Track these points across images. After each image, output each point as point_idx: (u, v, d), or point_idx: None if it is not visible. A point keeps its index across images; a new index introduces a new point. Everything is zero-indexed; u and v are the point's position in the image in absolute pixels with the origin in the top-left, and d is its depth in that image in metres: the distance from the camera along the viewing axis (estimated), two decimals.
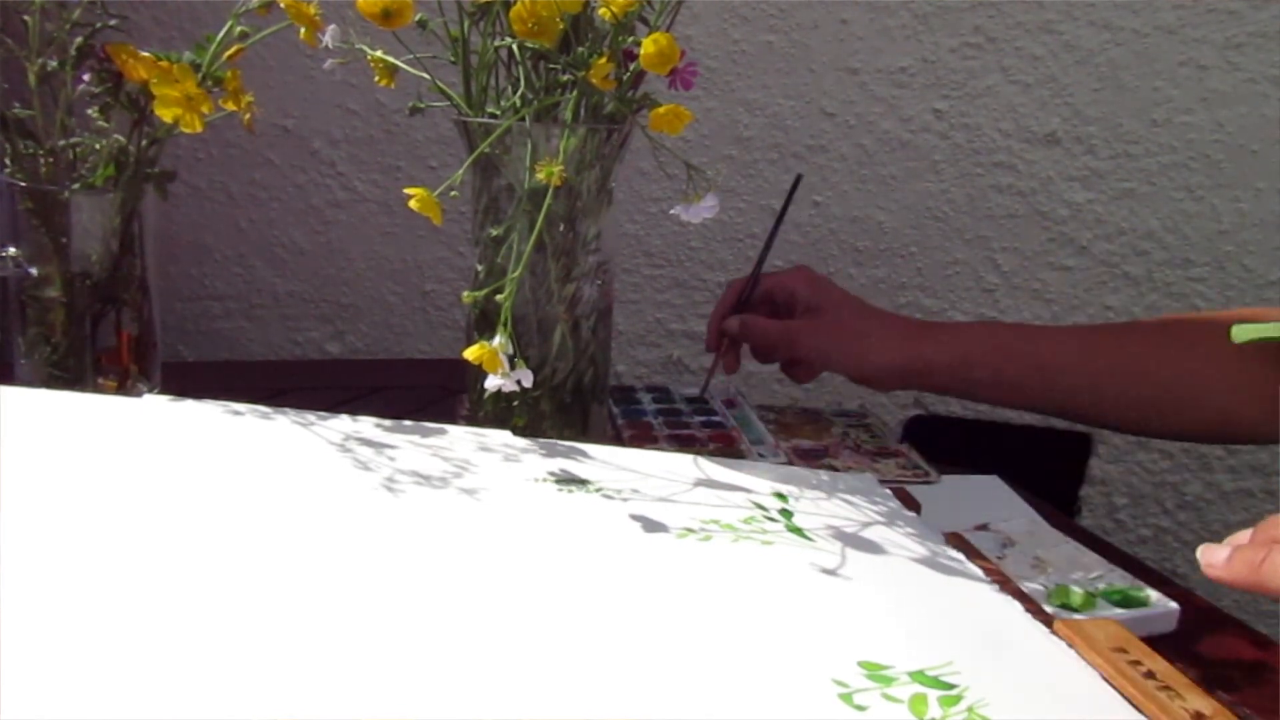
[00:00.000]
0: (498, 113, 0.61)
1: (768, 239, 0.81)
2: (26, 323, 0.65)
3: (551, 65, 0.58)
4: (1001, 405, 0.76)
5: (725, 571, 0.46)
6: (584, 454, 0.58)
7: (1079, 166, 1.17)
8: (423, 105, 0.62)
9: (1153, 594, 0.55)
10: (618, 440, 0.76)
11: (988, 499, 0.65)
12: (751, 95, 1.13)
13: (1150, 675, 0.42)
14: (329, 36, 0.57)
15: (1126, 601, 0.54)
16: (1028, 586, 0.52)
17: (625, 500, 0.52)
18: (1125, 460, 1.22)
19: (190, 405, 0.58)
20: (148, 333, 0.67)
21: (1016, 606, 0.47)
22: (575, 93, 0.57)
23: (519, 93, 0.59)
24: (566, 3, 0.54)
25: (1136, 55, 1.14)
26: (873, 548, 0.50)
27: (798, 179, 0.80)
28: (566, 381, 0.64)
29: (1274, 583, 0.41)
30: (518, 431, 0.60)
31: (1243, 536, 0.45)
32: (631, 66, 0.59)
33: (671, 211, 0.58)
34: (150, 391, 0.66)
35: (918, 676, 0.39)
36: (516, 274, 0.54)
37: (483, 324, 0.62)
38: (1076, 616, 0.51)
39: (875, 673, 0.39)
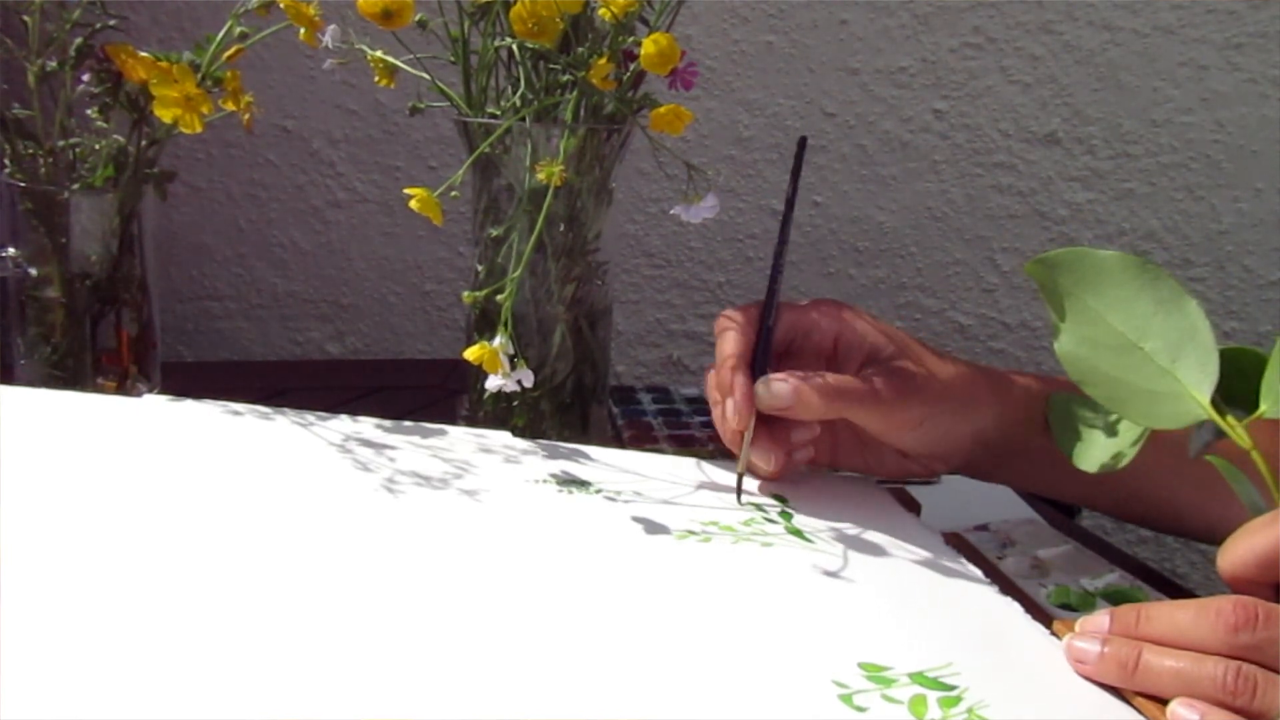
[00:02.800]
0: (498, 113, 0.61)
1: (782, 228, 0.57)
2: (26, 323, 0.65)
3: (551, 65, 0.58)
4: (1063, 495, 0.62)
5: (725, 573, 0.46)
6: (584, 455, 0.58)
7: (1079, 166, 1.17)
8: (423, 105, 0.62)
9: (1152, 594, 0.55)
10: (618, 440, 0.76)
11: (988, 499, 0.65)
12: (751, 95, 1.13)
13: None
14: (329, 36, 0.57)
15: (1126, 602, 0.54)
16: (1028, 586, 0.52)
17: (626, 502, 0.52)
18: None
19: (190, 405, 0.58)
20: (147, 333, 0.67)
21: (1016, 607, 0.47)
22: (575, 93, 0.57)
23: (519, 93, 0.59)
24: (566, 3, 0.53)
25: (1136, 55, 1.14)
26: (873, 549, 0.50)
27: (802, 141, 0.57)
28: (566, 382, 0.64)
29: (1151, 687, 0.39)
30: (517, 432, 0.60)
31: (1101, 623, 0.42)
32: (631, 67, 0.59)
33: (671, 211, 0.58)
34: (150, 391, 0.66)
35: (918, 678, 0.39)
36: (516, 274, 0.54)
37: (483, 324, 0.62)
38: (1076, 616, 0.51)
39: (875, 674, 0.39)
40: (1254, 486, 0.44)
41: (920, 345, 0.57)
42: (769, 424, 0.54)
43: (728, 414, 0.53)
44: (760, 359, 0.54)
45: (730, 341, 0.55)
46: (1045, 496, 0.63)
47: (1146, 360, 0.46)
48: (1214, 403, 0.45)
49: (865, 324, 0.56)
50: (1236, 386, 0.46)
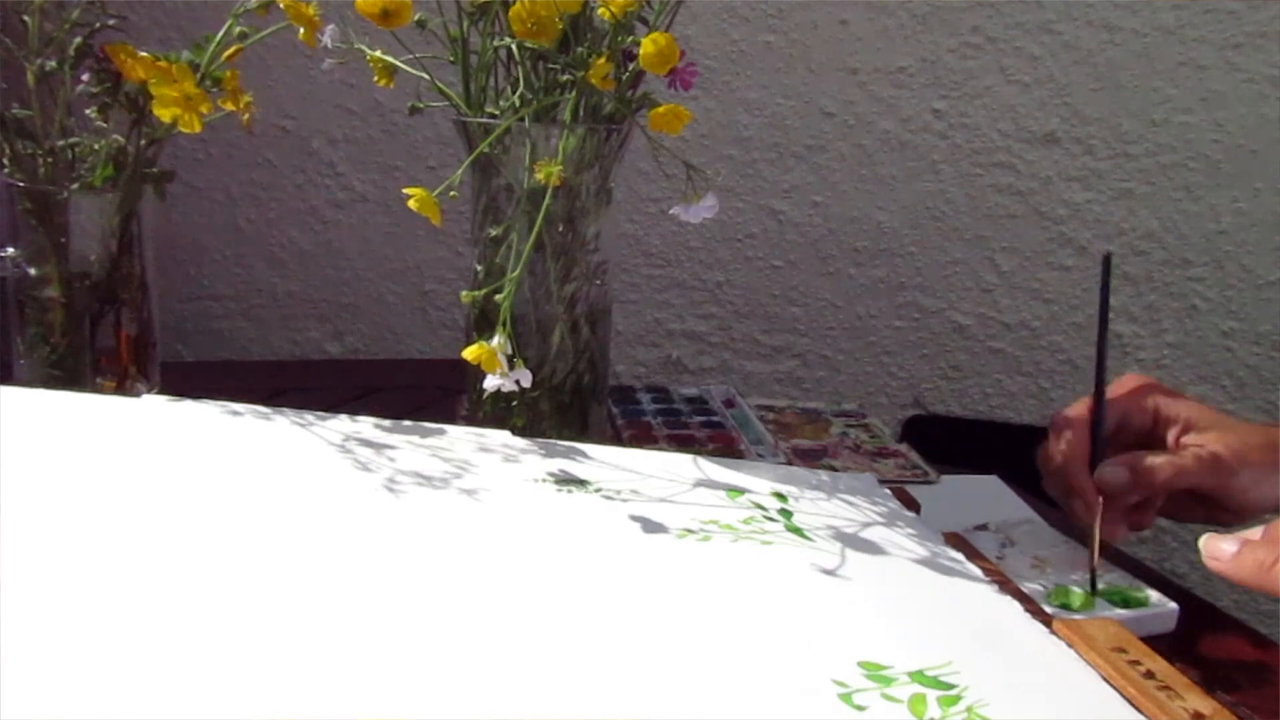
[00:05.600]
0: (497, 113, 0.61)
1: (1099, 341, 0.60)
2: (26, 323, 0.64)
3: (551, 65, 0.58)
4: None
5: (725, 572, 0.46)
6: (583, 454, 0.58)
7: (1078, 166, 1.17)
8: (422, 105, 0.62)
9: (1153, 594, 0.55)
10: (617, 440, 0.76)
11: (987, 499, 0.65)
12: (751, 95, 1.13)
13: (1150, 675, 0.42)
14: (328, 36, 0.57)
15: (1126, 601, 0.54)
16: (1028, 586, 0.52)
17: (625, 500, 0.52)
18: None
19: (189, 405, 0.58)
20: (146, 333, 0.67)
21: (1016, 606, 0.47)
22: (574, 93, 0.57)
23: (518, 93, 0.59)
24: (566, 3, 0.53)
25: (1136, 55, 1.14)
26: (872, 548, 0.50)
27: (1107, 259, 0.60)
28: (566, 381, 0.64)
29: None
30: (517, 431, 0.60)
31: (1255, 533, 0.44)
32: (631, 66, 0.59)
33: (671, 211, 0.58)
34: (149, 391, 0.66)
35: (917, 677, 0.39)
36: (516, 274, 0.54)
37: (482, 324, 0.62)
38: (1076, 616, 0.51)
39: (875, 673, 0.39)
40: None
41: (1224, 415, 0.61)
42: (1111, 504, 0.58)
43: (1077, 510, 0.58)
44: (1097, 451, 0.58)
45: (1068, 444, 0.59)
46: None
47: None
48: None
49: (1177, 400, 0.61)
50: None
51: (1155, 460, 0.58)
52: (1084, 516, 0.59)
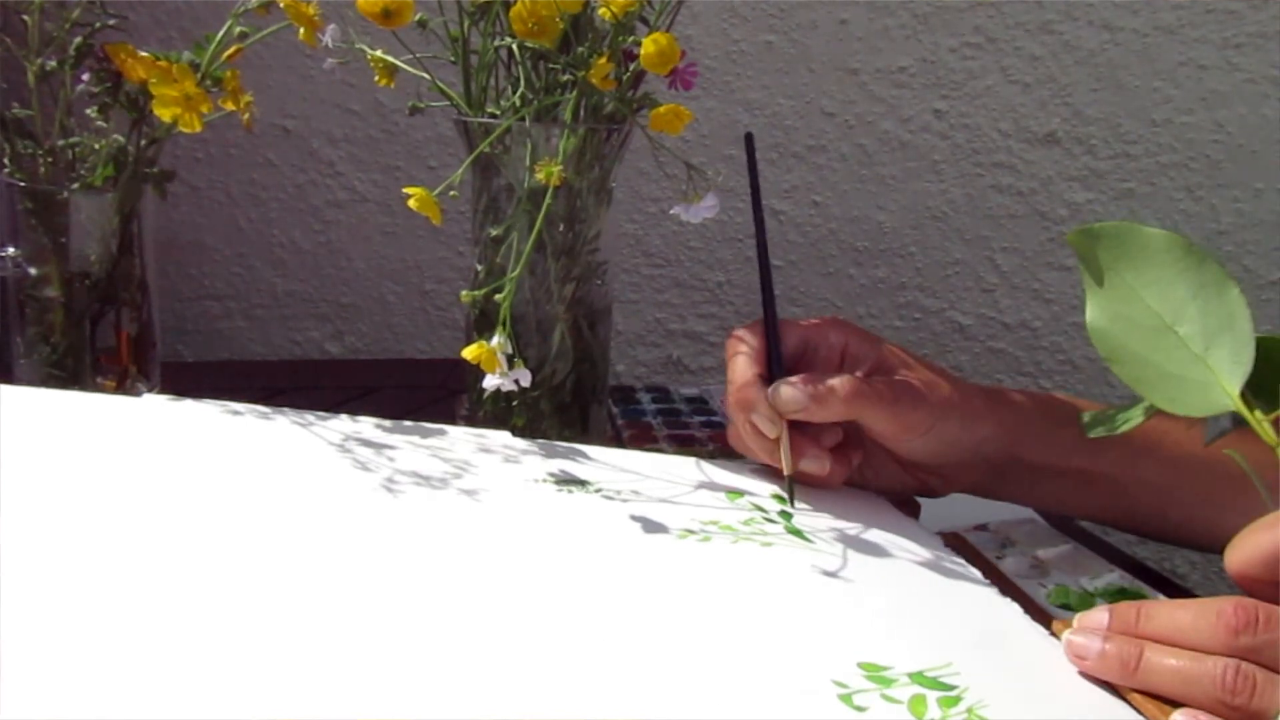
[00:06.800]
0: (498, 113, 0.61)
1: (760, 250, 0.60)
2: (25, 322, 0.65)
3: (551, 65, 0.58)
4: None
5: (725, 572, 0.46)
6: (583, 455, 0.58)
7: (1079, 166, 1.17)
8: (423, 105, 0.62)
9: (1152, 594, 0.55)
10: (617, 441, 0.76)
11: (987, 499, 0.65)
12: (751, 95, 1.13)
13: None
14: (329, 36, 0.57)
15: (1126, 601, 0.54)
16: (1027, 586, 0.52)
17: (625, 501, 0.52)
18: None
19: (190, 405, 0.58)
20: (147, 332, 0.67)
21: (1016, 607, 0.47)
22: (575, 93, 0.57)
23: (519, 93, 0.59)
24: (566, 2, 0.53)
25: (1136, 55, 1.14)
26: (872, 549, 0.50)
27: (748, 137, 0.60)
28: (566, 381, 0.64)
29: (1152, 685, 0.39)
30: (517, 432, 0.60)
31: (1100, 619, 0.42)
32: (631, 66, 0.59)
33: (671, 211, 0.58)
34: (149, 391, 0.66)
35: (917, 677, 0.39)
36: (516, 274, 0.54)
37: (482, 324, 0.62)
38: (1076, 617, 0.51)
39: (875, 674, 0.39)
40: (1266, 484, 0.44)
41: (921, 359, 0.58)
42: (798, 431, 0.55)
43: (759, 426, 0.55)
44: (773, 370, 0.56)
45: (743, 360, 0.57)
46: (1048, 511, 0.63)
47: (1179, 345, 0.45)
48: (1243, 395, 0.44)
49: (870, 339, 0.58)
50: (1265, 377, 0.45)
51: (837, 381, 0.53)
52: (767, 432, 0.54)
